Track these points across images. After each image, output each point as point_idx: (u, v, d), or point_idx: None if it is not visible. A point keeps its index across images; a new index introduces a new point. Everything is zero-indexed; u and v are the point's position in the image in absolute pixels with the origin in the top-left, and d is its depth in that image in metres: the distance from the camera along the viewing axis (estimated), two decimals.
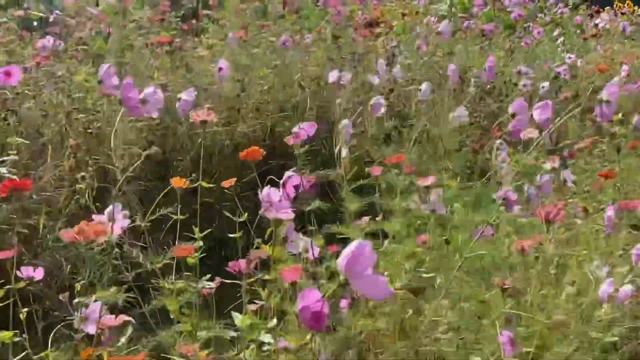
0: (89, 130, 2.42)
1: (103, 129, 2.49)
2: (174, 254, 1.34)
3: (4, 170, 2.14)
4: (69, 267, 2.21)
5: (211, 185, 1.77)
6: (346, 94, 2.70)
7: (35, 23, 3.85)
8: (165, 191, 1.54)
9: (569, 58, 4.41)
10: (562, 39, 5.70)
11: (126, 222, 1.32)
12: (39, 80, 2.61)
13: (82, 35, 2.76)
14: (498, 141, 1.81)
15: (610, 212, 1.67)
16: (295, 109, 2.82)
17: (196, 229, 1.52)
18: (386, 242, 1.66)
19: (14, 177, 2.16)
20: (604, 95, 1.63)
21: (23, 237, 2.29)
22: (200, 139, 2.77)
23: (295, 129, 1.68)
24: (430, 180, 1.63)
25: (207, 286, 1.43)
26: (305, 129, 1.77)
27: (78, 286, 1.24)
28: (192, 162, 2.71)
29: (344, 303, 1.39)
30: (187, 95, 1.41)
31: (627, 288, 1.44)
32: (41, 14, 3.74)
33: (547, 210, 1.44)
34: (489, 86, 3.98)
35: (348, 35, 3.56)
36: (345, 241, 1.71)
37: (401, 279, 1.54)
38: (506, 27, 6.29)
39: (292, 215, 1.32)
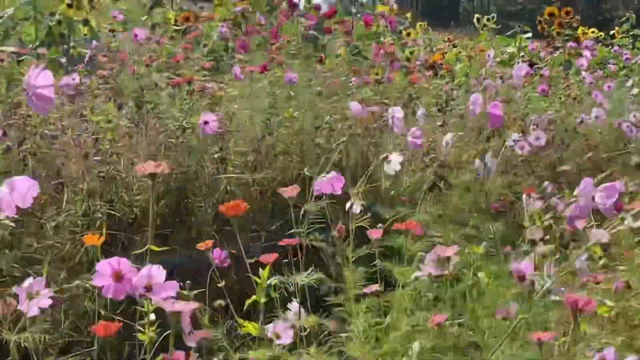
0: (100, 174, 2.29)
1: (119, 173, 2.36)
2: (95, 331, 1.15)
3: (1, 216, 2.01)
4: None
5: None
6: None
7: (87, 59, 3.79)
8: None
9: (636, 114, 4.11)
10: (636, 90, 5.37)
11: (48, 301, 1.14)
12: (61, 118, 2.51)
13: (105, 74, 2.66)
14: (526, 197, 1.58)
15: None
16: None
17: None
18: (387, 318, 1.45)
19: (12, 224, 2.04)
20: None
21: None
22: (224, 184, 2.63)
23: (317, 182, 1.42)
24: (451, 251, 1.41)
25: None
26: (332, 182, 1.48)
27: None
28: (213, 208, 2.55)
29: None
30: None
31: None
32: (85, 51, 3.68)
33: (574, 298, 1.20)
34: (550, 135, 3.74)
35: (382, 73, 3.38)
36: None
37: None
38: (576, 72, 6.03)
39: (194, 305, 1.12)
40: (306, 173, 1.40)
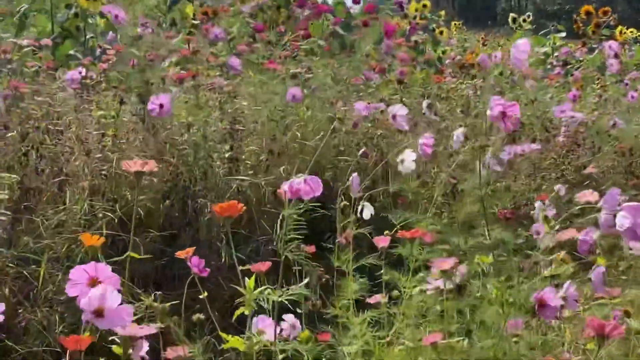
0: (102, 172, 2.19)
1: (122, 171, 2.26)
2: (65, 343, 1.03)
3: None
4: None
5: None
6: None
7: (98, 53, 3.73)
8: None
9: None
10: None
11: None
12: (66, 114, 2.42)
13: (105, 67, 2.57)
14: (538, 204, 1.44)
15: None
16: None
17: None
18: (391, 331, 1.33)
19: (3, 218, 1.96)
20: None
21: (17, 287, 2.09)
22: (235, 185, 2.52)
23: (287, 185, 1.29)
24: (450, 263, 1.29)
25: None
26: (310, 184, 1.37)
27: None
28: None
29: None
30: None
31: None
32: (100, 44, 3.60)
33: (600, 323, 1.06)
34: (581, 137, 3.59)
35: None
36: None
37: None
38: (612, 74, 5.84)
39: (151, 331, 0.98)
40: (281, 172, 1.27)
